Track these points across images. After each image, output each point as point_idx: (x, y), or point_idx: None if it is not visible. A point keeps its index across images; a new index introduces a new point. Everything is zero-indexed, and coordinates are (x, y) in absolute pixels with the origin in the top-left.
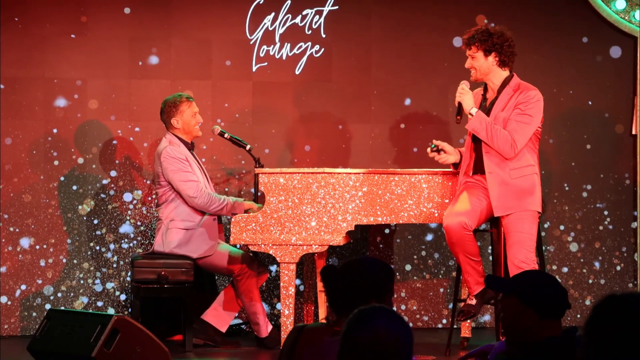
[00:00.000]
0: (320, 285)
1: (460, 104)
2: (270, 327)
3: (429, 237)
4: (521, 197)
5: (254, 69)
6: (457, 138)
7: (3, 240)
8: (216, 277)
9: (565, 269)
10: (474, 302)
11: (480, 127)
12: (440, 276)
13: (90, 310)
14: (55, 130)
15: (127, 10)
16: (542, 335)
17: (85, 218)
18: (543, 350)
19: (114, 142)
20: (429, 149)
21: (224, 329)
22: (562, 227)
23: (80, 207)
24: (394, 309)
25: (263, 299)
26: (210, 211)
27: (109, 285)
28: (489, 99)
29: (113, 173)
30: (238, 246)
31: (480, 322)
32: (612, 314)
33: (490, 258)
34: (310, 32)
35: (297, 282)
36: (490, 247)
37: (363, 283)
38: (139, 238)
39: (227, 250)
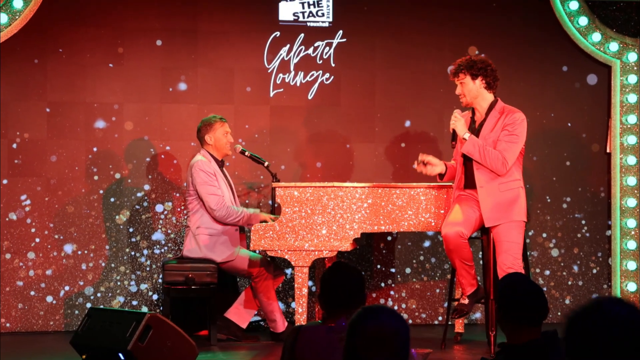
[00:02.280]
0: None
1: (454, 130)
2: (286, 324)
3: (427, 243)
4: (508, 208)
5: (271, 94)
6: (450, 155)
7: (49, 246)
8: (237, 279)
9: (547, 272)
10: (466, 301)
11: (473, 149)
12: (437, 278)
13: (126, 309)
14: (95, 149)
15: (158, 43)
16: (522, 339)
17: (121, 227)
18: (525, 353)
19: (147, 159)
20: (415, 164)
21: (244, 325)
22: (544, 235)
23: (117, 217)
24: (395, 307)
25: (280, 298)
26: (228, 223)
27: (143, 287)
28: (477, 121)
29: (146, 187)
30: (257, 251)
31: (472, 319)
32: (591, 318)
33: (481, 262)
34: (321, 61)
35: (310, 283)
36: (480, 253)
37: (340, 291)
38: (169, 244)
39: (247, 255)
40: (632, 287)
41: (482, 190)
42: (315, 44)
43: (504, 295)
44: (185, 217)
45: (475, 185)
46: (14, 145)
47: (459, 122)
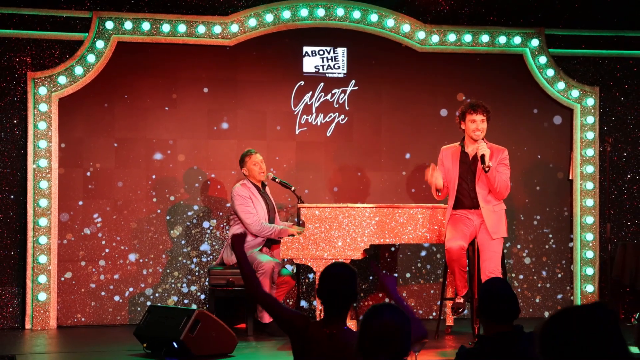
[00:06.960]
0: None
1: (483, 155)
2: (272, 319)
3: (423, 253)
4: (500, 225)
5: (297, 132)
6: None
7: (116, 255)
8: None
9: (521, 276)
10: (461, 300)
11: (494, 174)
12: (431, 281)
13: (179, 306)
14: (154, 176)
15: (205, 90)
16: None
17: (175, 240)
18: (496, 342)
19: (196, 185)
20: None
21: (266, 321)
22: (519, 246)
23: (172, 231)
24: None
25: (304, 298)
26: (262, 236)
27: (193, 288)
28: (471, 154)
29: (195, 207)
30: (285, 260)
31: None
32: (565, 325)
33: (467, 268)
34: (337, 105)
35: None
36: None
37: (339, 293)
38: (214, 254)
39: (260, 258)
40: (589, 288)
41: (484, 209)
42: (333, 91)
43: (485, 297)
44: (227, 231)
45: (465, 206)
46: (88, 173)
47: (488, 150)
